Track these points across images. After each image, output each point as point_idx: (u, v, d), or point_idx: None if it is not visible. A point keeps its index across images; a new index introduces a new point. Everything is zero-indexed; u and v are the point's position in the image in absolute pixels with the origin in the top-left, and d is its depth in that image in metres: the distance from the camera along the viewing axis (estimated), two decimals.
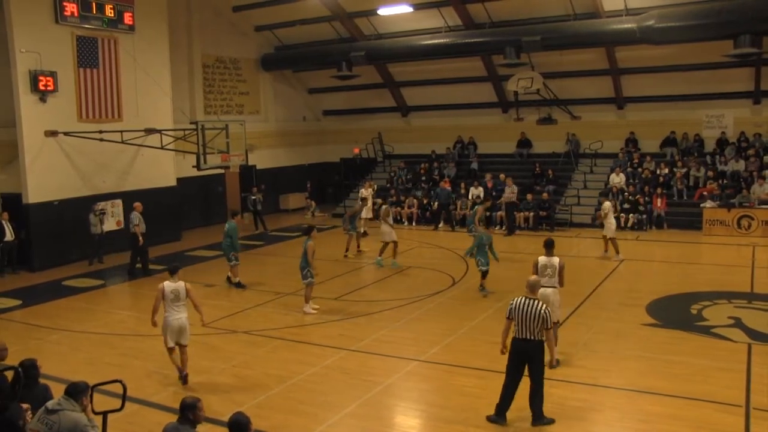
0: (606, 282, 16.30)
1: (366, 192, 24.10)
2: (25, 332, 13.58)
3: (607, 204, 19.56)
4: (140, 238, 18.51)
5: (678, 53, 23.93)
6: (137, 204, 19.11)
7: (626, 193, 24.04)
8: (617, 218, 23.15)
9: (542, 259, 11.00)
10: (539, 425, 8.65)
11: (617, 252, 18.83)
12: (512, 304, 8.73)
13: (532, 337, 8.61)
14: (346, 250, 20.26)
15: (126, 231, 20.46)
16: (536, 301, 8.70)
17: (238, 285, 16.82)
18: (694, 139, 25.97)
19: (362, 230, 21.54)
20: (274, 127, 31.43)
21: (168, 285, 10.62)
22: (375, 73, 30.24)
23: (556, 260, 10.94)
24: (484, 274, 15.51)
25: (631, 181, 24.99)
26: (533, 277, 9.26)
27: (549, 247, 11.19)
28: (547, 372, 10.33)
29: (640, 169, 25.41)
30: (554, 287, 10.84)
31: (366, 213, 23.00)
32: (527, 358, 8.68)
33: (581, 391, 9.72)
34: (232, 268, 16.92)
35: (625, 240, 21.86)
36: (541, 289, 10.25)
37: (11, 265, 19.63)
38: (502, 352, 8.93)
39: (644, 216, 23.32)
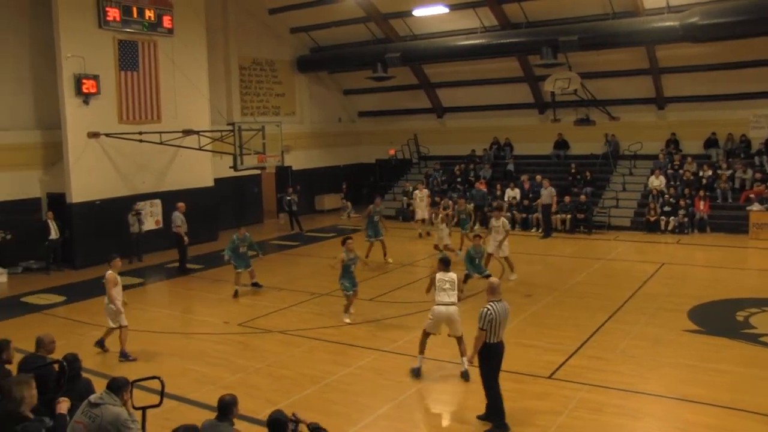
0: (645, 286, 16.04)
1: (420, 193, 24.05)
2: (68, 328, 13.93)
3: (504, 220, 17.74)
4: (185, 238, 18.91)
5: (722, 51, 23.46)
6: (180, 204, 19.51)
7: (666, 196, 23.71)
8: (657, 221, 22.96)
9: (440, 275, 10.76)
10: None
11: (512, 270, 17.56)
12: (491, 314, 8.51)
13: (503, 338, 8.74)
14: (384, 255, 19.58)
15: (164, 230, 20.82)
16: (503, 302, 8.74)
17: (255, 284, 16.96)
18: (740, 140, 25.46)
19: (422, 232, 21.25)
20: (309, 128, 31.62)
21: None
22: (410, 74, 30.24)
23: (454, 275, 10.79)
24: (466, 277, 15.43)
25: (671, 183, 24.62)
26: (495, 280, 9.15)
27: (447, 265, 11.00)
28: (585, 377, 10.30)
29: (681, 171, 25.01)
30: (456, 304, 10.68)
31: (420, 215, 22.99)
32: (501, 359, 8.76)
33: (618, 397, 9.60)
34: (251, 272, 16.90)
35: (666, 243, 21.62)
36: (446, 308, 10.47)
37: (56, 262, 20.19)
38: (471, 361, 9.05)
39: (685, 219, 22.97)
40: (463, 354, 10.55)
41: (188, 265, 19.41)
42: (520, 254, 20.45)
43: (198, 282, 18.13)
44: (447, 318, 10.57)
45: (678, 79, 25.78)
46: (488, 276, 15.24)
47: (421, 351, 10.74)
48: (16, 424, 5.86)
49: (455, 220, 20.94)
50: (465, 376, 10.40)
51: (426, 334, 10.72)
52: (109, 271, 12.11)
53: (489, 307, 8.56)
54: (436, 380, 10.59)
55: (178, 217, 19.08)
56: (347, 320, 13.69)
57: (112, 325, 12.18)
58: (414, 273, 18.26)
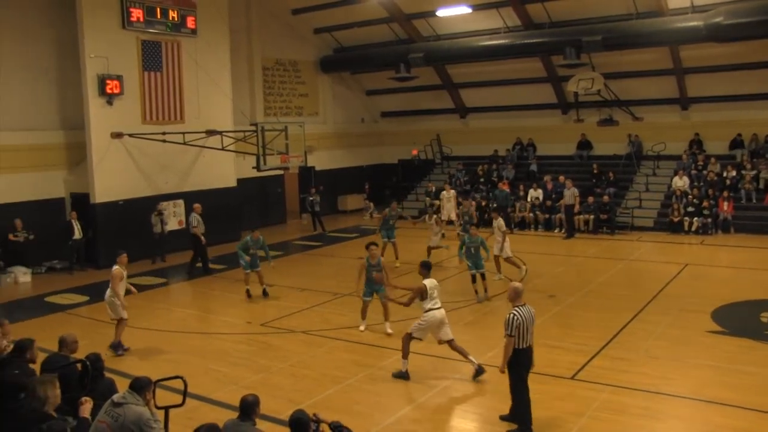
0: (668, 287, 15.88)
1: (448, 194, 23.97)
2: (91, 327, 13.98)
3: (501, 222, 17.53)
4: (202, 238, 18.98)
5: (746, 51, 23.16)
6: (196, 205, 19.63)
7: (690, 197, 23.47)
8: (680, 222, 22.74)
9: (429, 282, 10.64)
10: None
11: (498, 270, 17.42)
12: (517, 319, 8.37)
13: (532, 342, 8.58)
14: (396, 257, 19.11)
15: (187, 230, 20.89)
16: (527, 306, 8.62)
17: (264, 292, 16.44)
18: (765, 140, 25.10)
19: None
20: (332, 128, 31.68)
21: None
22: (433, 75, 30.19)
23: (435, 281, 10.78)
24: (473, 278, 15.31)
25: (695, 183, 24.36)
26: (518, 284, 8.85)
27: (429, 270, 10.95)
28: (608, 377, 10.22)
29: (704, 172, 24.75)
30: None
31: (446, 215, 22.92)
32: (530, 365, 8.64)
33: (642, 398, 9.50)
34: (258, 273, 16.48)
35: (690, 244, 21.43)
36: (439, 311, 10.45)
37: (79, 262, 20.35)
38: (503, 371, 8.61)
39: (709, 220, 22.72)
40: (465, 356, 10.56)
41: (211, 265, 19.50)
42: (544, 255, 20.42)
43: (220, 282, 18.22)
44: (440, 321, 10.53)
45: (702, 79, 25.51)
46: (481, 274, 15.29)
47: (406, 355, 10.63)
48: (41, 422, 5.91)
49: (459, 221, 20.80)
50: (480, 371, 10.40)
51: (410, 338, 10.61)
52: (116, 267, 12.42)
53: (515, 312, 8.44)
54: (457, 381, 10.55)
55: (194, 218, 19.21)
56: (389, 330, 13.01)
57: (114, 316, 12.45)
58: (437, 275, 18.16)
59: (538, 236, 24.10)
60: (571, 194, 23.40)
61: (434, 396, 9.96)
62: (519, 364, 8.49)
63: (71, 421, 6.30)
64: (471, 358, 10.55)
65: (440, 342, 10.72)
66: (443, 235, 19.96)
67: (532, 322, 8.58)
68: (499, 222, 17.35)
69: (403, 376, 10.56)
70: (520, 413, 8.59)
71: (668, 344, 11.80)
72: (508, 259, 17.29)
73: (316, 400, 9.73)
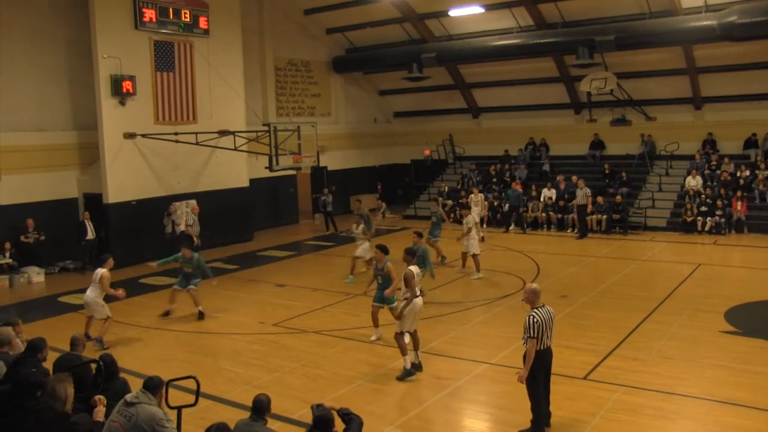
0: (681, 287, 15.80)
1: (476, 197, 23.62)
2: (102, 331, 13.89)
3: (470, 218, 17.98)
4: (195, 239, 18.87)
5: (761, 50, 23.00)
6: (194, 206, 19.59)
7: (703, 196, 23.34)
8: (693, 222, 22.62)
9: (415, 269, 10.70)
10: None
11: (478, 270, 17.57)
12: (537, 321, 8.24)
13: (551, 344, 8.50)
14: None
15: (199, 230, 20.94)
16: (546, 307, 8.53)
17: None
18: None
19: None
20: (345, 128, 31.71)
21: (97, 270, 13.15)
22: (446, 75, 30.16)
23: (417, 268, 10.88)
24: None
25: (708, 183, 24.24)
26: (534, 285, 8.72)
27: (414, 255, 10.96)
28: (621, 378, 10.18)
29: (718, 172, 24.62)
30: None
31: (476, 218, 22.63)
32: (549, 367, 8.56)
33: (656, 398, 9.45)
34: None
35: (703, 244, 21.32)
36: (420, 299, 10.54)
37: (92, 262, 20.31)
38: (523, 380, 8.34)
39: (722, 220, 22.59)
40: (416, 347, 10.73)
41: (223, 265, 19.52)
42: (556, 255, 20.38)
43: (233, 282, 18.26)
44: (419, 309, 10.71)
45: (715, 79, 25.39)
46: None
47: (406, 351, 10.65)
48: (61, 421, 5.96)
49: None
50: (419, 367, 10.60)
51: (401, 335, 10.62)
52: (104, 270, 12.98)
53: (534, 313, 8.31)
54: (471, 381, 10.53)
55: (191, 218, 19.23)
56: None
57: (101, 316, 12.98)
58: (449, 274, 18.19)
59: (551, 236, 24.04)
60: (583, 194, 23.34)
61: (446, 396, 9.94)
62: (536, 366, 8.35)
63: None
64: (415, 354, 10.65)
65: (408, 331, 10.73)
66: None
67: (551, 323, 8.45)
68: (468, 218, 17.86)
69: (409, 373, 10.52)
70: (537, 416, 8.51)
71: (681, 344, 11.74)
72: (474, 257, 17.65)
73: (328, 400, 9.73)
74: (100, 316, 12.99)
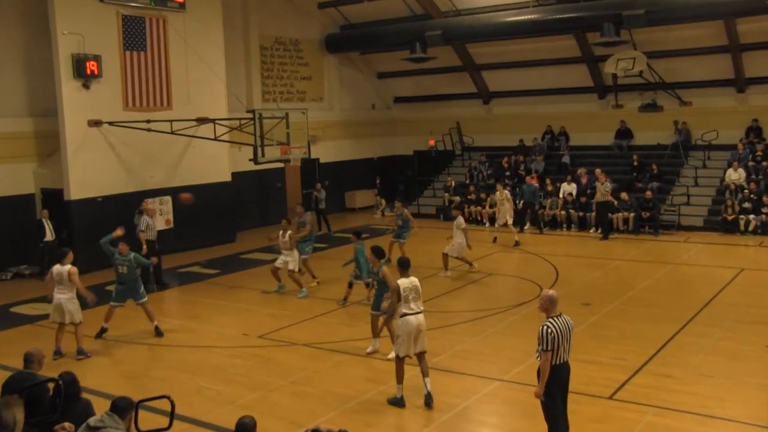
0: (721, 295, 15.78)
1: (501, 195, 22.98)
2: (63, 342, 13.45)
3: (460, 219, 18.75)
4: (144, 247, 17.12)
5: None
6: (150, 207, 18.92)
7: (746, 191, 23.30)
8: (735, 221, 22.58)
9: (404, 282, 10.35)
10: None
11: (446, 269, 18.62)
12: (552, 331, 8.13)
13: (568, 358, 8.38)
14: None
15: (176, 230, 20.87)
16: (563, 316, 8.39)
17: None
18: None
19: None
20: (339, 115, 31.71)
21: (56, 268, 13.05)
22: (453, 55, 30.13)
23: (416, 280, 10.47)
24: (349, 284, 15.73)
25: (752, 177, 24.16)
26: (550, 292, 8.60)
27: (406, 267, 10.64)
28: (652, 397, 10.14)
29: (764, 164, 24.56)
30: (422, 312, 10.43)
31: (502, 219, 22.44)
32: (567, 384, 8.47)
33: (692, 421, 9.42)
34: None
35: (746, 246, 21.28)
36: (415, 317, 10.13)
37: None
38: (539, 396, 8.30)
39: None
40: (425, 374, 10.28)
41: (203, 270, 19.45)
42: (577, 258, 20.37)
43: (214, 289, 18.24)
44: (417, 329, 10.16)
45: (762, 57, 25.31)
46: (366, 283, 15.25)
47: (401, 379, 10.33)
48: None
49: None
50: (428, 399, 10.14)
51: (400, 360, 10.30)
52: (69, 266, 13.07)
53: (548, 323, 8.21)
54: (480, 400, 10.53)
55: (143, 221, 18.03)
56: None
57: (77, 321, 13.03)
58: (457, 280, 18.20)
59: (571, 237, 24.01)
60: (602, 190, 23.13)
61: (455, 416, 9.93)
62: (552, 382, 8.28)
63: None
64: (424, 383, 10.22)
65: (413, 354, 10.30)
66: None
67: (569, 334, 8.35)
68: (458, 220, 18.55)
69: (397, 402, 10.28)
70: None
71: (722, 360, 11.71)
72: (457, 257, 18.33)
73: (320, 422, 9.70)
74: (79, 318, 12.97)
